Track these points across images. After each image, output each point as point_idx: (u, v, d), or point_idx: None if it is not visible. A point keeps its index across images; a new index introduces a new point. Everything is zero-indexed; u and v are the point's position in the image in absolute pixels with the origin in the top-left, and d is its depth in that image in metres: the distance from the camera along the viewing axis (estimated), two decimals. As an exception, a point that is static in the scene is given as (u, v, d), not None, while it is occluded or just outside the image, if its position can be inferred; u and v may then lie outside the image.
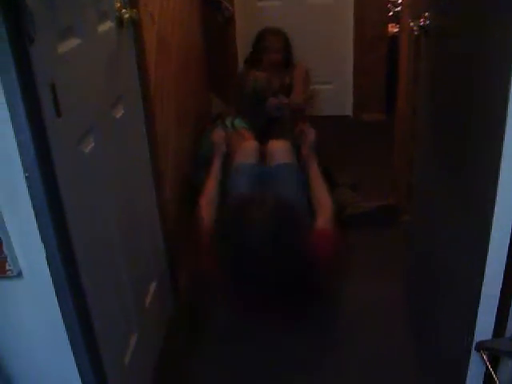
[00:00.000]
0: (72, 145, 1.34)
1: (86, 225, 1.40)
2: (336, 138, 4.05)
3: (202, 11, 3.56)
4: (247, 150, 2.67)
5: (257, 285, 2.04)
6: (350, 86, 4.55)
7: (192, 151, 3.03)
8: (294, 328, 2.25)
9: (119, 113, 1.74)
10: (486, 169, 1.33)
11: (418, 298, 2.16)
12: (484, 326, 1.41)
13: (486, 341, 1.40)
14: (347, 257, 2.50)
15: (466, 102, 1.53)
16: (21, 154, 1.09)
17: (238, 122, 2.95)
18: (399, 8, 3.24)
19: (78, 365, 1.31)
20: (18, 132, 1.08)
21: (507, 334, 1.38)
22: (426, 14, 1.93)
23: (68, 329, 1.26)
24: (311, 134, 2.67)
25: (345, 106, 4.62)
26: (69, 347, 1.29)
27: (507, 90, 1.17)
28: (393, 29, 4.32)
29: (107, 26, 1.68)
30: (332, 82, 4.58)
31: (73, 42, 1.38)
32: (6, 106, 1.06)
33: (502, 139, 1.21)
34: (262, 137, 2.92)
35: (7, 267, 1.18)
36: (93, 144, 1.48)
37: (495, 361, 1.43)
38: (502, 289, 1.36)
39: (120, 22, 1.76)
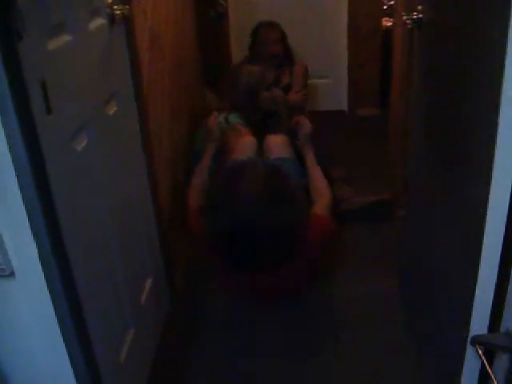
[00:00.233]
0: (64, 142, 1.33)
1: (79, 223, 1.39)
2: (331, 132, 4.05)
3: (195, 7, 3.54)
4: (246, 145, 2.67)
5: (246, 260, 2.02)
6: (344, 81, 4.54)
7: (186, 148, 3.02)
8: (292, 324, 2.25)
9: (112, 110, 1.73)
10: (479, 163, 1.32)
11: (414, 292, 2.16)
12: (479, 321, 1.41)
13: (481, 335, 1.40)
14: (340, 246, 2.52)
15: (460, 95, 1.53)
16: (11, 151, 1.08)
17: (232, 118, 2.94)
18: (393, 1, 3.22)
19: (71, 362, 1.30)
20: (7, 129, 1.07)
21: (502, 328, 1.38)
22: (420, 7, 1.93)
23: (61, 326, 1.26)
24: (307, 125, 2.66)
25: (340, 100, 4.61)
26: (63, 344, 1.29)
27: (500, 84, 1.17)
28: (387, 23, 4.32)
29: (99, 22, 1.66)
30: (326, 76, 4.57)
31: (64, 39, 1.36)
32: (-6, 102, 1.04)
33: (495, 133, 1.21)
34: (257, 131, 2.92)
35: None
36: (86, 141, 1.47)
37: (491, 355, 1.43)
38: (496, 283, 1.36)
39: (112, 18, 1.75)
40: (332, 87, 4.59)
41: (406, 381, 1.97)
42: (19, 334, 1.27)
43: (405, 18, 2.04)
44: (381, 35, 4.31)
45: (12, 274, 1.19)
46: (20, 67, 1.07)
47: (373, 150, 3.64)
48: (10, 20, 1.04)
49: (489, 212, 1.28)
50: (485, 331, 1.41)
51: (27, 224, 1.15)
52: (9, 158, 1.09)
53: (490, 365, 1.40)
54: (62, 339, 1.28)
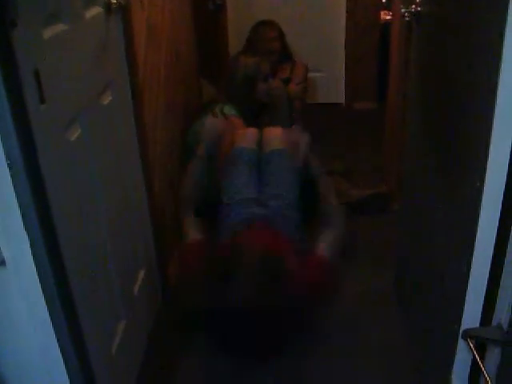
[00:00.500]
0: (57, 132, 1.32)
1: (72, 213, 1.39)
2: (328, 125, 4.05)
3: (192, -2, 3.52)
4: (249, 135, 2.66)
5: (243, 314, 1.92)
6: (342, 74, 4.54)
7: (182, 139, 3.01)
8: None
9: (107, 100, 1.72)
10: (474, 157, 1.32)
11: (409, 286, 2.17)
12: (471, 315, 1.42)
13: (472, 329, 1.41)
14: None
15: (456, 90, 1.52)
16: (3, 140, 1.07)
17: (227, 109, 2.93)
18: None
19: (62, 352, 1.30)
20: (-1, 118, 1.06)
21: (494, 322, 1.38)
22: (418, 0, 1.92)
23: (52, 316, 1.26)
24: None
25: (337, 94, 4.60)
26: (54, 335, 1.28)
27: (496, 77, 1.17)
28: (385, 16, 4.31)
29: (95, 11, 1.65)
30: (324, 69, 4.56)
31: (59, 28, 1.35)
32: (-14, 91, 1.04)
33: (490, 127, 1.21)
34: (253, 123, 2.91)
35: (-10, 256, 1.17)
36: (79, 131, 1.46)
37: (482, 349, 1.43)
38: (489, 277, 1.36)
39: (108, 7, 1.74)
40: (329, 80, 4.58)
41: (400, 375, 1.97)
42: (9, 324, 1.26)
43: (403, 10, 2.03)
44: (379, 29, 4.30)
45: (3, 263, 1.19)
46: (13, 55, 1.07)
47: (369, 143, 3.64)
48: (4, 7, 1.03)
49: (482, 207, 1.28)
50: (477, 325, 1.42)
51: (19, 213, 1.14)
52: (0, 147, 1.08)
53: (482, 358, 1.41)
54: (53, 330, 1.28)
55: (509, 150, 1.24)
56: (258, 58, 3.11)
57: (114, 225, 1.75)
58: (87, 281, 1.49)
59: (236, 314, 1.90)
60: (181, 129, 3.02)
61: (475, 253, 1.35)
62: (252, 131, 2.69)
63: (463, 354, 1.46)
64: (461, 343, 1.45)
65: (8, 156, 1.08)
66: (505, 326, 1.33)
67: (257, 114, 3.09)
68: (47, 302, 1.24)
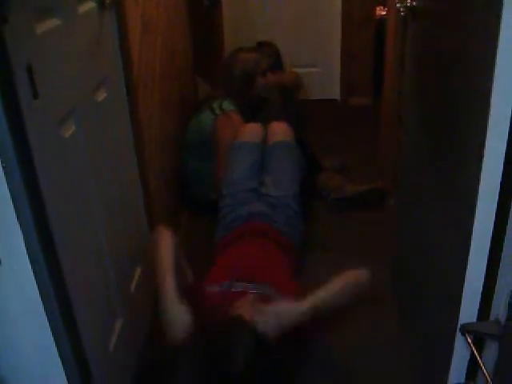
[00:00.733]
0: (51, 128, 1.31)
1: (67, 210, 1.38)
2: (323, 122, 4.05)
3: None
4: (251, 130, 2.66)
5: None
6: (337, 70, 4.53)
7: (178, 136, 3.00)
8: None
9: (101, 96, 1.71)
10: (471, 150, 1.32)
11: (405, 281, 2.16)
12: (469, 309, 1.41)
13: (470, 324, 1.40)
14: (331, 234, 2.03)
15: (452, 84, 1.52)
16: (-5, 137, 1.06)
17: (226, 105, 2.92)
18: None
19: (59, 351, 1.29)
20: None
21: (492, 316, 1.38)
22: (413, -6, 1.92)
23: (49, 315, 1.24)
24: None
25: (332, 89, 4.60)
26: (50, 333, 1.27)
27: (492, 71, 1.16)
28: (380, 11, 4.30)
29: (88, 6, 1.64)
30: (319, 65, 4.56)
31: (52, 23, 1.34)
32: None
33: (486, 122, 1.20)
34: (251, 118, 2.90)
35: (-15, 254, 1.16)
36: (73, 128, 1.45)
37: (480, 344, 1.43)
38: (486, 271, 1.35)
39: (102, 2, 1.72)
40: (325, 76, 4.58)
41: (397, 370, 1.97)
42: (5, 322, 1.25)
43: (398, 5, 2.03)
44: (374, 24, 4.30)
45: (-2, 262, 1.18)
46: (5, 51, 1.05)
47: (365, 139, 3.64)
48: (-5, 2, 1.02)
49: (479, 200, 1.28)
50: (474, 319, 1.41)
51: (13, 211, 1.12)
52: (-7, 144, 1.07)
53: (480, 353, 1.40)
54: (49, 328, 1.26)
55: (504, 145, 1.23)
56: (258, 54, 3.11)
57: (110, 222, 1.74)
58: (83, 278, 1.47)
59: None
60: (176, 126, 3.02)
61: (472, 247, 1.34)
62: (255, 126, 2.69)
63: (461, 349, 1.46)
64: (459, 338, 1.44)
65: (1, 152, 1.07)
66: (502, 321, 1.33)
67: (255, 109, 3.09)
68: (43, 301, 1.22)
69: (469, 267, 1.36)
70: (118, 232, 1.84)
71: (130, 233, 1.99)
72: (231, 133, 2.72)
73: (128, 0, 2.03)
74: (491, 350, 1.40)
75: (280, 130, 2.64)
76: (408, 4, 1.94)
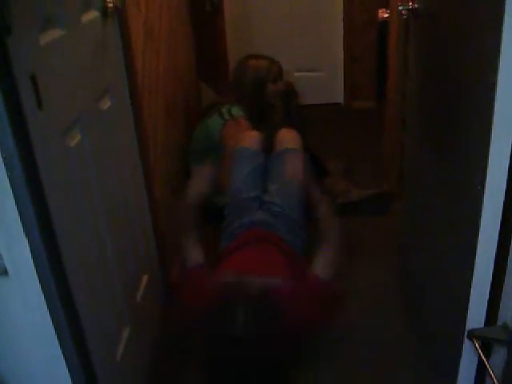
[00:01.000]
0: (56, 138, 1.31)
1: (72, 220, 1.38)
2: (327, 125, 4.04)
3: (190, 1, 3.52)
4: (250, 137, 2.65)
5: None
6: (340, 73, 4.53)
7: (182, 143, 3.00)
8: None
9: (106, 105, 1.71)
10: (475, 153, 1.31)
11: (412, 286, 2.15)
12: (476, 314, 1.40)
13: (477, 329, 1.40)
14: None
15: (455, 87, 1.51)
16: (0, 146, 1.06)
17: (235, 111, 2.92)
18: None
19: (66, 361, 1.29)
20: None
21: (499, 321, 1.37)
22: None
23: (56, 325, 1.25)
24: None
25: (336, 93, 4.59)
26: (57, 343, 1.27)
27: (496, 74, 1.16)
28: (383, 14, 4.29)
29: (91, 15, 1.64)
30: (322, 69, 4.55)
31: (55, 33, 1.34)
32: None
33: (490, 123, 1.20)
34: (259, 125, 2.90)
35: (-9, 265, 1.16)
36: (79, 137, 1.45)
37: (488, 349, 1.42)
38: (493, 276, 1.35)
39: (104, 11, 1.73)
40: (328, 80, 4.57)
41: (405, 374, 1.96)
42: (12, 332, 1.26)
43: (400, 8, 2.03)
44: (377, 27, 4.28)
45: (5, 272, 1.18)
46: (9, 62, 1.06)
47: (369, 142, 3.63)
48: (-1, 14, 1.02)
49: (485, 204, 1.27)
50: (481, 324, 1.41)
51: (19, 221, 1.13)
52: (-1, 155, 1.07)
53: (488, 358, 1.40)
54: (56, 338, 1.27)
55: (509, 148, 1.23)
56: (269, 61, 3.11)
57: (116, 230, 1.74)
58: (90, 287, 1.47)
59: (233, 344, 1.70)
60: (181, 131, 3.02)
61: (478, 252, 1.33)
62: (253, 133, 2.68)
63: (469, 355, 1.45)
64: (466, 344, 1.44)
65: (6, 163, 1.07)
66: (510, 326, 1.32)
67: (264, 116, 3.09)
68: (50, 311, 1.22)
69: (475, 272, 1.35)
70: (124, 240, 1.84)
71: (136, 240, 1.99)
72: (235, 140, 2.72)
73: (130, 8, 2.03)
74: (499, 355, 1.39)
75: (289, 138, 2.63)
76: (410, 6, 1.94)
